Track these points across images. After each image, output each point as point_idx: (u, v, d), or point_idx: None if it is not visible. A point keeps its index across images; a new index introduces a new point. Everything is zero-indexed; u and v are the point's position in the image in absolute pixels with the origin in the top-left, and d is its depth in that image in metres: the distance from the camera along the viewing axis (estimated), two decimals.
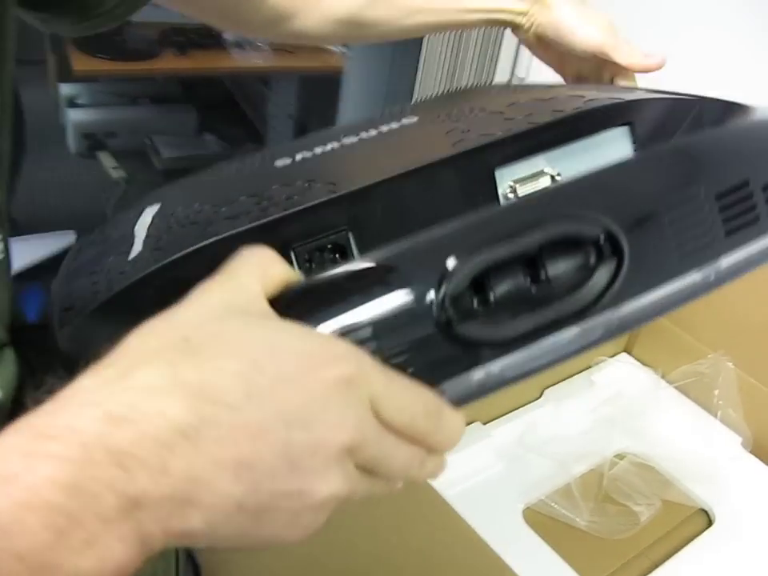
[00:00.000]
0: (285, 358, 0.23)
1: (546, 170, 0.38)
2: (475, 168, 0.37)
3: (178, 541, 0.21)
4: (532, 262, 0.30)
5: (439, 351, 0.28)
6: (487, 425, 0.87)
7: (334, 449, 0.23)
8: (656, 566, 0.74)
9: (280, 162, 0.39)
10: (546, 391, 0.93)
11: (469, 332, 0.28)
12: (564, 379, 0.95)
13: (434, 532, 0.65)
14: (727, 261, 0.33)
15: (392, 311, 0.28)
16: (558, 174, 0.39)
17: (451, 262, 0.28)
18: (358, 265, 0.29)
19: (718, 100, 0.41)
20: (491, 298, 0.29)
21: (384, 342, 0.27)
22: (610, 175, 0.32)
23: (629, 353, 1.03)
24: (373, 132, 0.41)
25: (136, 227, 0.36)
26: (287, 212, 0.33)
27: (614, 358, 1.01)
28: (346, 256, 0.34)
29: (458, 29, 0.56)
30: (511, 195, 0.38)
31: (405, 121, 0.42)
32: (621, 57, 0.50)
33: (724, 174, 0.33)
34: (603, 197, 0.31)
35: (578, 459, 0.84)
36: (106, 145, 2.33)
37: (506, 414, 0.90)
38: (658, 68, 0.50)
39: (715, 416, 0.91)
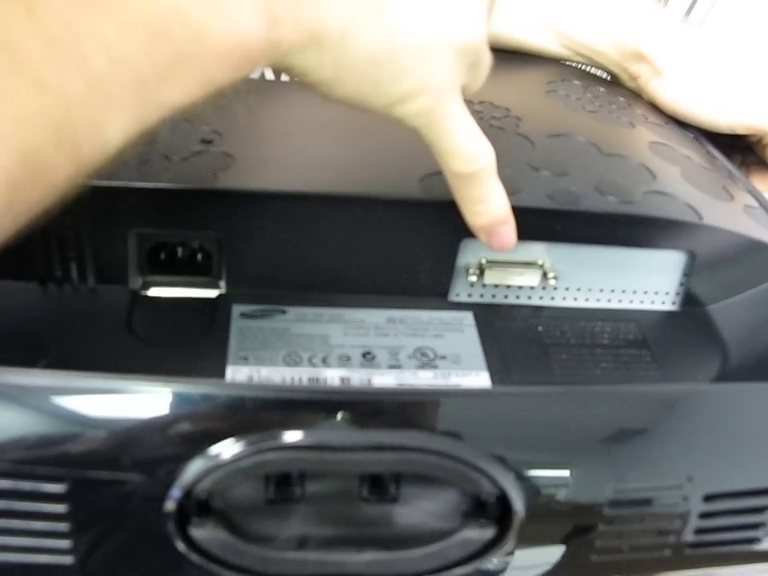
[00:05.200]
0: None
1: (539, 262, 0.28)
2: (437, 227, 0.27)
3: (306, 46, 0.21)
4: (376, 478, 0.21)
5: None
6: None
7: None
8: None
9: None
10: None
11: (219, 543, 0.20)
12: None
13: None
14: None
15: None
16: (554, 277, 0.28)
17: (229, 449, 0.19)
18: None
19: None
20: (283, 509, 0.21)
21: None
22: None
23: None
24: None
25: None
26: (149, 185, 0.25)
27: None
28: (208, 268, 0.27)
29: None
30: (474, 278, 0.28)
31: None
32: None
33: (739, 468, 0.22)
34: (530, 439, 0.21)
35: None
36: None
37: None
38: None
39: None
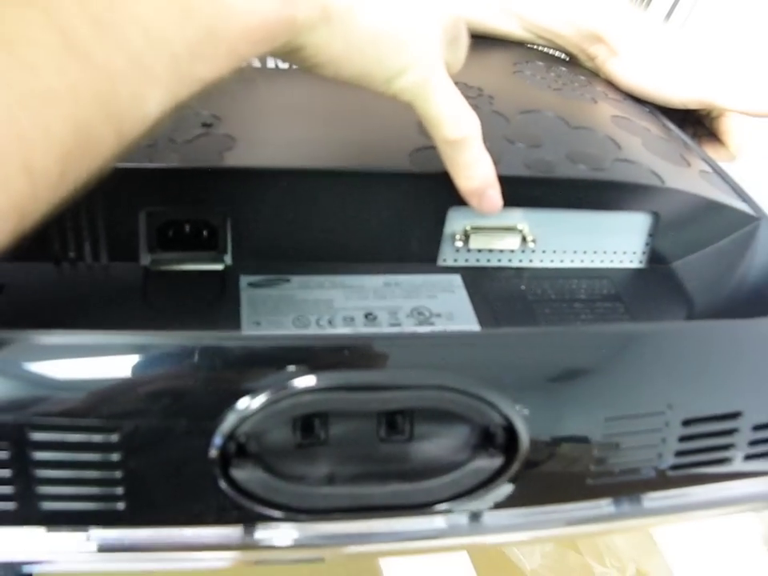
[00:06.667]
0: None
1: (519, 227, 0.31)
2: (426, 194, 0.30)
3: (317, 22, 0.23)
4: (392, 419, 0.23)
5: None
6: None
7: None
8: None
9: None
10: None
11: (259, 482, 0.23)
12: None
13: None
14: (654, 501, 0.27)
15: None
16: (533, 240, 0.31)
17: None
18: None
19: None
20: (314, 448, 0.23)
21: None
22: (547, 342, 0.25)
23: None
24: None
25: None
26: (159, 165, 0.28)
27: None
28: (215, 243, 0.30)
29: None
30: (460, 243, 0.31)
31: None
32: (731, 101, 0.41)
33: (712, 395, 0.26)
34: (525, 376, 0.24)
35: None
36: None
37: None
38: None
39: None
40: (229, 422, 0.21)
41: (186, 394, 0.21)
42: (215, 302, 0.28)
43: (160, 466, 0.22)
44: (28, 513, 0.22)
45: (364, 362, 0.22)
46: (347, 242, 0.30)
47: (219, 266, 0.30)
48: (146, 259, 0.29)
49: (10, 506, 0.22)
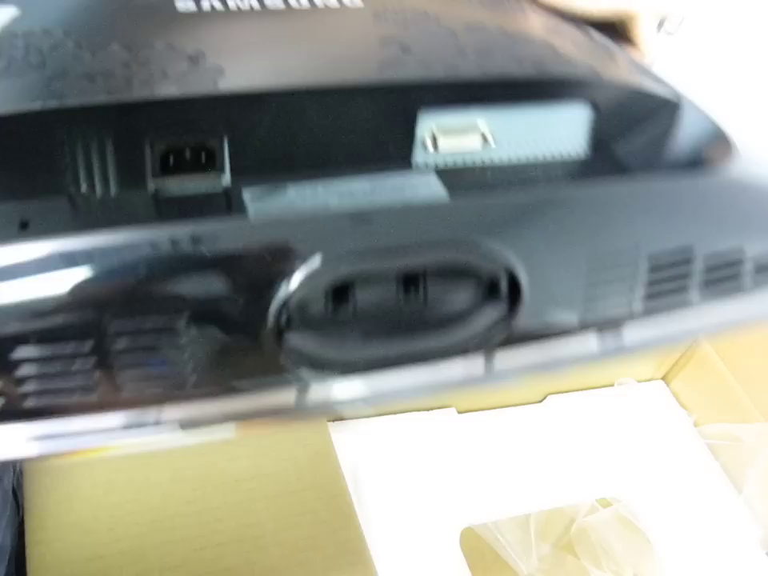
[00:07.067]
0: None
1: (480, 126, 0.35)
2: (397, 104, 0.34)
3: None
4: (410, 280, 0.28)
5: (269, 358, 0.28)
6: (463, 414, 0.84)
7: None
8: None
9: (182, 5, 0.37)
10: (550, 398, 0.89)
11: (302, 344, 0.28)
12: (576, 390, 0.91)
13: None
14: (634, 332, 0.32)
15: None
16: (492, 139, 0.35)
17: (318, 260, 0.27)
18: None
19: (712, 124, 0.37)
20: (349, 311, 0.28)
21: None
22: (530, 202, 0.30)
23: (666, 383, 0.96)
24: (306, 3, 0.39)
25: None
26: (154, 97, 0.31)
27: (646, 383, 0.94)
28: (213, 164, 0.33)
29: None
30: (430, 144, 0.35)
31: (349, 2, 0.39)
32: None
33: (672, 232, 0.31)
34: (515, 229, 0.29)
35: (552, 488, 0.80)
36: None
37: (494, 408, 0.87)
38: None
39: (738, 494, 0.85)
40: (279, 297, 0.26)
41: (242, 274, 0.26)
42: (227, 214, 0.32)
43: (222, 341, 0.26)
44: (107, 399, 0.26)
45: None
46: (332, 151, 0.34)
47: (220, 186, 0.33)
48: (152, 186, 0.32)
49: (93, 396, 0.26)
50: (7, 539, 0.62)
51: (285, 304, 0.26)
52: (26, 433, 0.26)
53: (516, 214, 0.29)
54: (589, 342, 0.31)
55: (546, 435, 0.85)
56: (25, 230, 0.30)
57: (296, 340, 0.27)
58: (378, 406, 0.31)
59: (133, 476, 0.65)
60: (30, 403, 0.26)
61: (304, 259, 0.26)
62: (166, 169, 0.32)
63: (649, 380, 0.95)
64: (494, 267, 0.28)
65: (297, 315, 0.27)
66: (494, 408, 0.86)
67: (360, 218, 0.28)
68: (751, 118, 0.38)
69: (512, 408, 0.87)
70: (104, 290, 0.25)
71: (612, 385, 0.92)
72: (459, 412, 0.84)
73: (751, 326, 0.35)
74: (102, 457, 0.63)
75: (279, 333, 0.27)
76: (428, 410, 0.83)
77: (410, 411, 0.82)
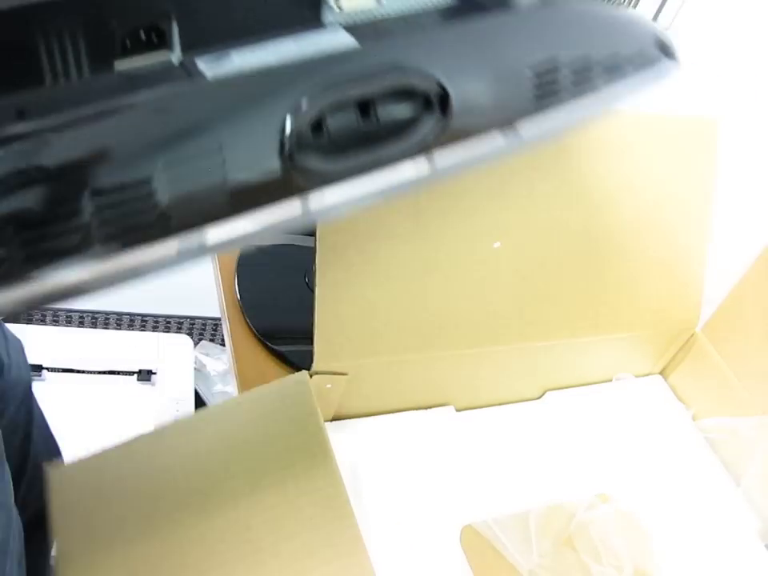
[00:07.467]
0: None
1: None
2: None
3: None
4: (365, 106, 0.37)
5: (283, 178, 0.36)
6: (461, 412, 0.85)
7: None
8: None
9: None
10: (549, 394, 0.90)
11: (308, 163, 0.36)
12: (574, 386, 0.91)
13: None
14: (528, 127, 0.42)
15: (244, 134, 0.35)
16: None
17: (304, 101, 0.35)
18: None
19: None
20: (326, 134, 0.37)
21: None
22: (449, 28, 0.42)
23: (664, 377, 0.96)
24: None
25: None
26: None
27: (644, 378, 0.95)
28: (164, 43, 0.38)
29: None
30: (335, 6, 0.42)
31: None
32: None
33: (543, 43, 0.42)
34: (440, 53, 0.39)
35: (551, 485, 0.80)
36: None
37: (492, 405, 0.87)
38: None
39: (737, 487, 0.86)
40: (286, 134, 0.35)
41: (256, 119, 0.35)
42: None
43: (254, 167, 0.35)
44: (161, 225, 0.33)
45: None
46: (256, 18, 0.41)
47: (176, 59, 0.38)
48: (119, 66, 0.37)
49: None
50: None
51: (291, 134, 0.35)
52: None
53: (437, 43, 0.39)
54: (497, 140, 0.41)
55: (545, 431, 0.85)
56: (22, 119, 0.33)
57: (302, 161, 0.36)
58: (357, 207, 0.39)
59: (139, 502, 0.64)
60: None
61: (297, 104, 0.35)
62: (126, 49, 0.37)
63: (647, 375, 0.96)
64: (428, 84, 0.38)
65: (296, 144, 0.35)
66: (493, 405, 0.87)
67: (313, 67, 0.37)
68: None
69: (510, 405, 0.87)
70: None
71: (610, 380, 0.92)
72: (457, 410, 0.84)
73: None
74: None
75: (291, 156, 0.35)
76: (426, 408, 0.83)
77: (408, 410, 0.82)
